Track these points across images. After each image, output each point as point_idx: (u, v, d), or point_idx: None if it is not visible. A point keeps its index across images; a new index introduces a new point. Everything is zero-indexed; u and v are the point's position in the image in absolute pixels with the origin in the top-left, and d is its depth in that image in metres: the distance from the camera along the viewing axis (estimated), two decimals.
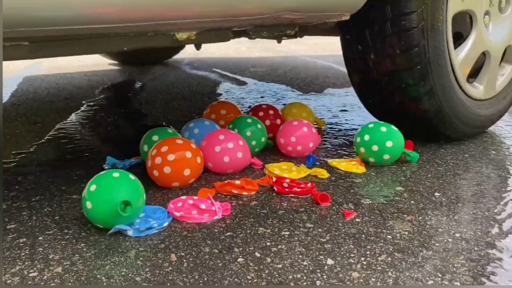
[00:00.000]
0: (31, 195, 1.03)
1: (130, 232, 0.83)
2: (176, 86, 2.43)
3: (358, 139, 1.18)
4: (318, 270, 0.73)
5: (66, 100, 2.10)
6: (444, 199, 0.99)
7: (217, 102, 1.48)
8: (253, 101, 2.02)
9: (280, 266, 0.74)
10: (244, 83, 2.49)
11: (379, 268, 0.74)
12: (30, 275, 0.72)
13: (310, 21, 1.13)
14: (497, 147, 1.35)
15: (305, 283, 0.70)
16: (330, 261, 0.76)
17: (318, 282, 0.70)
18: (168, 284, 0.70)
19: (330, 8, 1.06)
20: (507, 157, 1.26)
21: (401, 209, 0.94)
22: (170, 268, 0.74)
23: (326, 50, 4.02)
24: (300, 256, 0.77)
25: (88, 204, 0.83)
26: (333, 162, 1.19)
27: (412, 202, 0.98)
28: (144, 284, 0.70)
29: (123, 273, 0.73)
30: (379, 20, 1.20)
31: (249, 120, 1.26)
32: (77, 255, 0.78)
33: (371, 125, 1.19)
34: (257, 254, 0.78)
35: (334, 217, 0.91)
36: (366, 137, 1.17)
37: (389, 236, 0.83)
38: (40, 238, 0.84)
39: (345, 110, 1.81)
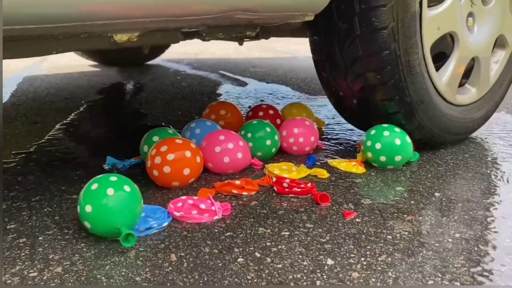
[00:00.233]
0: (31, 195, 1.03)
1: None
2: (176, 86, 2.42)
3: (369, 143, 1.15)
4: (318, 270, 0.73)
5: (66, 100, 2.09)
6: (444, 199, 0.99)
7: (216, 102, 1.48)
8: (253, 101, 2.02)
9: (280, 266, 0.74)
10: (244, 83, 2.49)
11: (379, 268, 0.74)
12: (30, 275, 0.72)
13: (271, 21, 1.07)
14: (497, 147, 1.35)
15: (305, 283, 0.70)
16: (330, 261, 0.76)
17: (318, 282, 0.70)
18: (168, 284, 0.70)
19: (290, 8, 0.99)
20: (507, 157, 1.26)
21: (401, 209, 0.94)
22: (170, 268, 0.74)
23: None
24: (300, 256, 0.77)
25: (86, 224, 0.81)
26: (333, 162, 1.19)
27: (412, 202, 0.98)
28: (144, 284, 0.70)
29: (123, 273, 0.73)
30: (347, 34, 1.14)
31: (268, 129, 1.24)
32: (77, 255, 0.78)
33: (386, 133, 1.15)
34: (257, 254, 0.78)
35: (334, 217, 0.91)
36: (378, 145, 1.14)
37: (389, 236, 0.83)
38: (40, 238, 0.84)
39: None
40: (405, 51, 1.12)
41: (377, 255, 0.77)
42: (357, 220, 0.90)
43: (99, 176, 0.85)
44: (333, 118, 1.69)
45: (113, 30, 0.90)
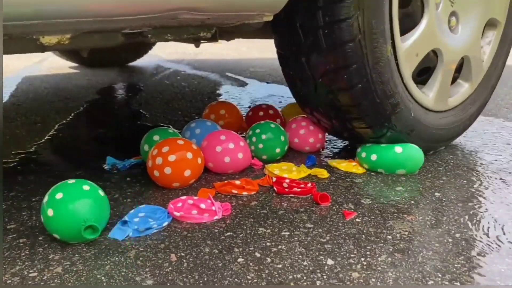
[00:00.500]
0: (31, 195, 1.03)
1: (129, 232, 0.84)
2: (176, 86, 2.42)
3: (363, 155, 1.15)
4: (318, 270, 0.73)
5: (66, 100, 2.09)
6: (444, 199, 0.99)
7: (216, 102, 1.48)
8: (253, 101, 2.02)
9: (280, 266, 0.74)
10: (244, 83, 2.49)
11: (379, 268, 0.74)
12: (30, 275, 0.72)
13: (226, 22, 1.00)
14: (498, 147, 1.35)
15: (305, 283, 0.70)
16: (330, 261, 0.76)
17: (318, 282, 0.70)
18: (168, 284, 0.70)
19: (242, 7, 0.92)
20: (508, 156, 1.26)
21: (401, 209, 0.94)
22: (170, 268, 0.74)
23: None
24: (300, 256, 0.77)
25: (50, 212, 0.80)
26: (333, 162, 1.19)
27: (412, 202, 0.98)
28: (144, 284, 0.70)
29: (123, 273, 0.73)
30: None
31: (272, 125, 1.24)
32: (77, 255, 0.78)
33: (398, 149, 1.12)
34: (257, 254, 0.78)
35: (334, 217, 0.91)
36: (373, 157, 1.13)
37: (389, 236, 0.83)
38: (40, 238, 0.84)
39: None
40: (386, 96, 1.08)
41: (377, 255, 0.77)
42: (357, 220, 0.90)
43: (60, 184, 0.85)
44: None
45: (37, 32, 0.82)
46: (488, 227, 0.87)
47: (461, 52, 1.25)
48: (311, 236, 0.83)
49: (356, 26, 1.00)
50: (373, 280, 0.71)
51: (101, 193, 0.85)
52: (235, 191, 1.02)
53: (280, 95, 2.16)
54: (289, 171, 1.12)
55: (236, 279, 0.71)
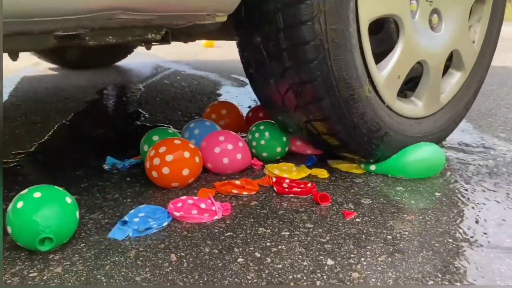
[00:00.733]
0: None
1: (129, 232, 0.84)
2: (176, 86, 2.42)
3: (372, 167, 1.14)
4: (318, 270, 0.73)
5: (66, 100, 2.09)
6: (444, 199, 0.99)
7: (217, 102, 1.48)
8: (253, 102, 2.02)
9: (280, 266, 0.74)
10: (244, 83, 2.49)
11: (379, 268, 0.74)
12: (30, 275, 0.72)
13: (174, 23, 0.93)
14: (499, 147, 1.35)
15: (305, 283, 0.70)
16: (330, 262, 0.76)
17: (318, 282, 0.70)
18: (168, 284, 0.70)
19: (186, 7, 0.86)
20: (509, 156, 1.26)
21: (401, 209, 0.94)
22: (170, 268, 0.74)
23: None
24: (300, 256, 0.77)
25: (11, 221, 0.77)
26: (334, 162, 1.19)
27: (412, 202, 0.98)
28: (144, 284, 0.70)
29: (123, 273, 0.73)
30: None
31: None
32: (77, 255, 0.78)
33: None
34: (257, 254, 0.78)
35: (334, 217, 0.91)
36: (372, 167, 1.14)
37: (389, 236, 0.83)
38: None
39: None
40: (372, 131, 1.07)
41: (377, 255, 0.77)
42: (357, 220, 0.90)
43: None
44: None
45: None
46: (489, 227, 0.87)
47: (448, 48, 1.21)
48: (311, 236, 0.83)
49: (330, 83, 0.99)
50: (373, 280, 0.71)
51: (68, 199, 0.81)
52: (235, 191, 1.02)
53: None
54: (289, 171, 1.12)
55: (236, 279, 0.71)
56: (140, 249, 0.80)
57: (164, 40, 1.04)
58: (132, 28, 0.93)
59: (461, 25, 1.22)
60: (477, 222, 0.89)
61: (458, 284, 0.70)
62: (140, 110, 1.89)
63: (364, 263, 0.75)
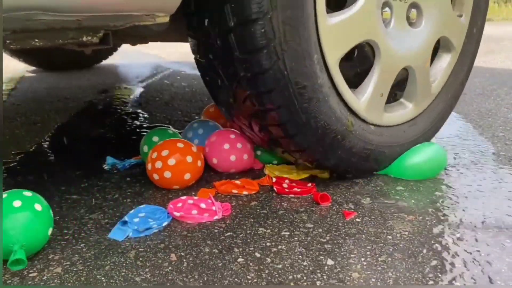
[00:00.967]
0: None
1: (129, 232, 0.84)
2: (176, 86, 2.42)
3: None
4: (318, 270, 0.73)
5: (66, 100, 2.09)
6: (445, 199, 0.99)
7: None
8: None
9: (280, 266, 0.74)
10: None
11: (379, 268, 0.74)
12: (30, 275, 0.72)
13: (110, 23, 0.85)
14: (501, 144, 1.35)
15: (305, 283, 0.70)
16: (330, 262, 0.75)
17: (318, 283, 0.70)
18: (168, 284, 0.70)
19: (117, 7, 0.77)
20: (510, 152, 1.26)
21: (401, 209, 0.94)
22: (170, 268, 0.74)
23: None
24: (300, 256, 0.77)
25: None
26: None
27: (413, 202, 0.98)
28: (144, 285, 0.70)
29: (123, 274, 0.73)
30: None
31: None
32: (77, 256, 0.78)
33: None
34: (257, 254, 0.78)
35: (334, 217, 0.91)
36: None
37: (389, 236, 0.83)
38: None
39: None
40: (363, 159, 1.06)
41: (377, 255, 0.77)
42: (357, 220, 0.90)
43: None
44: None
45: None
46: (489, 227, 0.87)
47: (433, 40, 1.13)
48: (311, 236, 0.83)
49: (311, 134, 0.97)
50: (373, 280, 0.71)
51: (38, 207, 0.76)
52: (235, 191, 1.02)
53: None
54: (289, 172, 1.12)
55: (236, 279, 0.71)
56: (140, 249, 0.80)
57: (104, 43, 0.95)
58: (63, 30, 0.85)
59: (444, 7, 1.13)
60: (478, 221, 0.89)
61: (458, 284, 0.70)
62: (140, 110, 1.89)
63: (364, 263, 0.75)
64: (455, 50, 1.21)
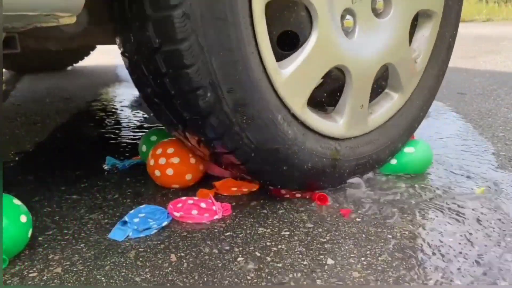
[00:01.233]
0: (31, 195, 1.02)
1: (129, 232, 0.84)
2: None
3: None
4: (318, 270, 0.73)
5: (66, 100, 2.09)
6: (445, 198, 0.99)
7: None
8: None
9: (280, 265, 0.74)
10: None
11: (379, 268, 0.74)
12: (30, 275, 0.72)
13: (5, 24, 0.74)
14: (501, 144, 1.35)
15: (305, 283, 0.70)
16: (330, 261, 0.75)
17: (318, 282, 0.70)
18: (168, 284, 0.70)
19: (13, 7, 0.66)
20: (510, 152, 1.26)
21: (401, 209, 0.94)
22: (170, 268, 0.74)
23: None
24: (300, 255, 0.77)
25: None
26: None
27: (413, 202, 0.98)
28: (144, 285, 0.70)
29: (123, 274, 0.73)
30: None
31: None
32: (76, 256, 0.78)
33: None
34: (257, 254, 0.78)
35: (334, 216, 0.91)
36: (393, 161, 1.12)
37: (389, 236, 0.83)
38: (40, 238, 0.84)
39: None
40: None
41: (377, 255, 0.77)
42: (357, 220, 0.90)
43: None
44: None
45: None
46: (490, 227, 0.87)
47: (408, 22, 1.04)
48: (311, 236, 0.83)
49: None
50: (373, 279, 0.70)
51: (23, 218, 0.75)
52: (234, 188, 1.02)
53: None
54: None
55: (236, 279, 0.71)
56: (140, 249, 0.80)
57: (10, 47, 0.85)
58: None
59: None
60: (478, 221, 0.89)
61: (459, 283, 0.70)
62: (140, 110, 1.89)
63: (364, 263, 0.75)
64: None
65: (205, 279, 0.71)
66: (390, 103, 1.09)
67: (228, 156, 0.91)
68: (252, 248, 0.80)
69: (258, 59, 0.85)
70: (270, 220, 0.90)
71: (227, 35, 0.80)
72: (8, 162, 1.25)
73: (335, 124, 0.99)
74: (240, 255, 0.77)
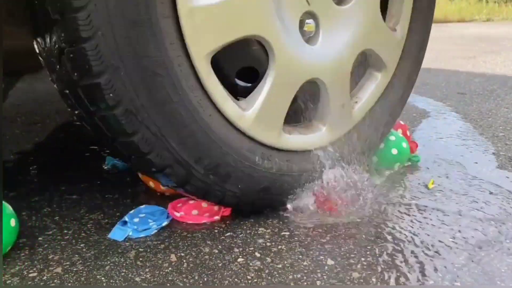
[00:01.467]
0: (31, 195, 1.02)
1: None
2: None
3: None
4: (318, 270, 0.73)
5: None
6: (445, 199, 0.99)
7: None
8: None
9: (280, 266, 0.74)
10: None
11: (379, 268, 0.74)
12: (30, 275, 0.72)
13: None
14: (501, 144, 1.35)
15: (305, 283, 0.70)
16: (330, 261, 0.75)
17: (318, 282, 0.70)
18: (168, 284, 0.70)
19: None
20: (510, 151, 1.26)
21: (401, 209, 0.94)
22: (170, 268, 0.74)
23: None
24: (300, 256, 0.77)
25: None
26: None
27: (413, 201, 0.98)
28: (144, 285, 0.70)
29: (122, 274, 0.73)
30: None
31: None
32: (76, 256, 0.78)
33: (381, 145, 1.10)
34: (257, 254, 0.78)
35: (335, 216, 0.91)
36: (374, 159, 1.11)
37: (389, 236, 0.83)
38: (40, 238, 0.84)
39: None
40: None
41: (377, 255, 0.77)
42: (357, 220, 0.89)
43: None
44: None
45: None
46: (490, 227, 0.87)
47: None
48: (311, 236, 0.83)
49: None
50: (373, 280, 0.70)
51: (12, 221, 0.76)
52: None
53: None
54: None
55: (236, 279, 0.71)
56: (140, 249, 0.80)
57: None
58: None
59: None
60: (478, 221, 0.89)
61: (459, 284, 0.70)
62: None
63: (364, 263, 0.75)
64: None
65: (205, 279, 0.71)
66: (375, 84, 1.01)
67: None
68: (252, 248, 0.80)
69: (219, 117, 0.80)
70: (270, 220, 0.90)
71: (180, 116, 0.75)
72: (8, 162, 1.25)
73: (318, 134, 0.93)
74: (240, 255, 0.77)
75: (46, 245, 0.81)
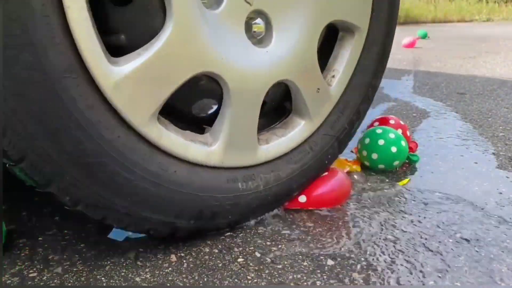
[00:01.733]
0: (31, 195, 1.02)
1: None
2: None
3: (364, 153, 1.14)
4: (318, 270, 0.73)
5: None
6: (445, 199, 0.99)
7: None
8: None
9: (280, 266, 0.74)
10: None
11: (379, 268, 0.74)
12: (30, 275, 0.72)
13: None
14: (501, 144, 1.35)
15: (305, 283, 0.70)
16: (330, 262, 0.75)
17: (318, 282, 0.70)
18: (168, 284, 0.70)
19: None
20: (509, 152, 1.26)
21: (401, 209, 0.94)
22: (170, 268, 0.74)
23: None
24: (300, 256, 0.77)
25: None
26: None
27: (413, 202, 0.98)
28: (144, 285, 0.70)
29: (122, 274, 0.73)
30: None
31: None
32: (77, 256, 0.78)
33: (381, 142, 1.12)
34: (257, 254, 0.78)
35: (335, 217, 0.91)
36: (374, 156, 1.12)
37: (389, 236, 0.83)
38: (40, 238, 0.84)
39: None
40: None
41: (377, 255, 0.77)
42: (357, 220, 0.90)
43: None
44: None
45: None
46: (490, 227, 0.87)
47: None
48: (311, 236, 0.83)
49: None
50: (373, 280, 0.71)
51: None
52: None
53: None
54: None
55: (236, 279, 0.71)
56: (140, 249, 0.80)
57: None
58: None
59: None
60: (478, 222, 0.89)
61: (458, 284, 0.70)
62: None
63: (364, 263, 0.75)
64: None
65: (205, 279, 0.71)
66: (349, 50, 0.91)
67: None
68: (252, 248, 0.80)
69: (185, 167, 0.74)
70: (270, 220, 0.90)
71: (145, 190, 0.70)
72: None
73: (298, 129, 0.86)
74: (240, 255, 0.77)
75: (46, 245, 0.81)
